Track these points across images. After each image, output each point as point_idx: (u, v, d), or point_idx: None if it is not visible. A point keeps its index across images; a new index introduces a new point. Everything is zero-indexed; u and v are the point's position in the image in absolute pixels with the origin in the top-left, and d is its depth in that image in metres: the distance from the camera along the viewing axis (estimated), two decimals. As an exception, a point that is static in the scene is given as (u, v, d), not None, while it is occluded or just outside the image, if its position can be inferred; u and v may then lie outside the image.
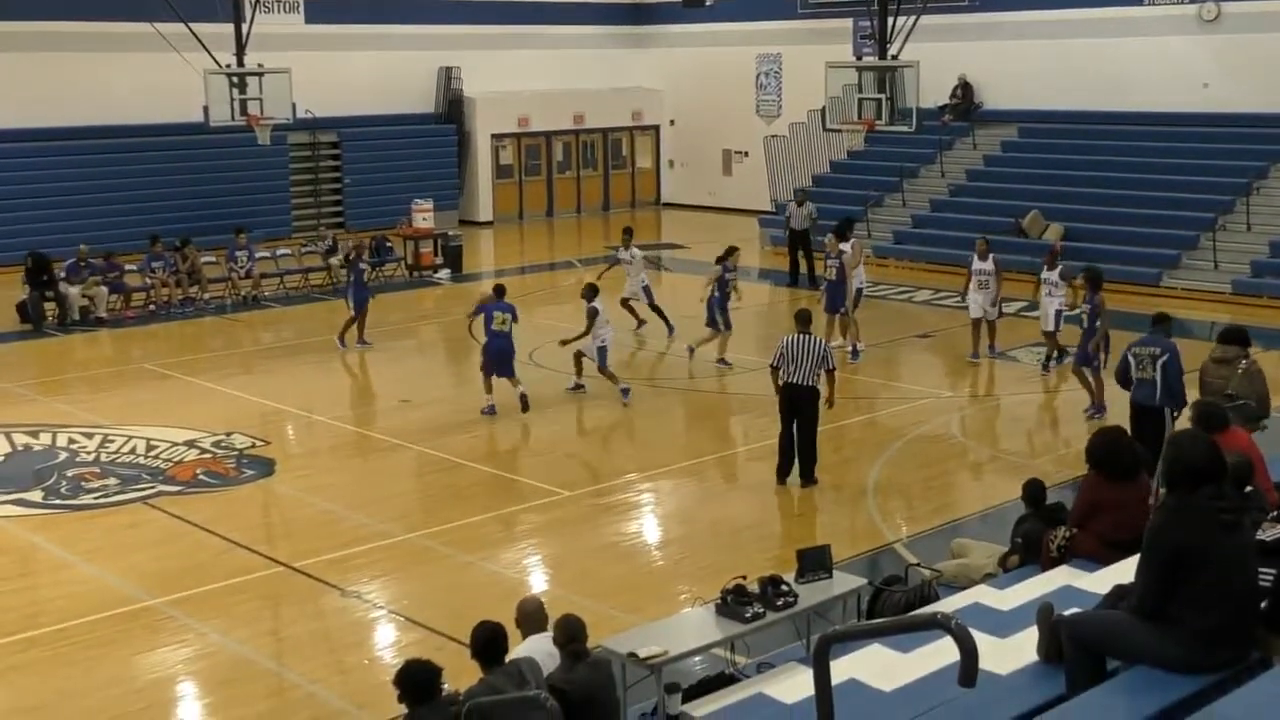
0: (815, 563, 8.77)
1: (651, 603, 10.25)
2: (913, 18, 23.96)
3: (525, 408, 15.85)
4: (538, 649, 7.30)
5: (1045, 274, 17.52)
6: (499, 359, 15.88)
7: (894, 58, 24.07)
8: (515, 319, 16.07)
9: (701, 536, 12.12)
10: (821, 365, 12.82)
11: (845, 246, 19.40)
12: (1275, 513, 6.56)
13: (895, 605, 8.58)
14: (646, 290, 19.95)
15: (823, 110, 26.49)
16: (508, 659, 6.92)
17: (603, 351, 16.34)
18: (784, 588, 8.43)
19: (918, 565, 9.74)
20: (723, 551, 11.36)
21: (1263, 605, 5.50)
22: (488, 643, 6.90)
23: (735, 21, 34.30)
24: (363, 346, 19.69)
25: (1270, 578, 5.58)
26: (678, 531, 12.51)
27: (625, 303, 19.98)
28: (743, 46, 34.32)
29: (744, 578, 8.44)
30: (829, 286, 19.05)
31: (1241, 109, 25.48)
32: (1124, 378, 12.26)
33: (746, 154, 34.76)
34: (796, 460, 13.10)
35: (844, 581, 8.83)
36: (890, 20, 24.25)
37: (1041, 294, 17.54)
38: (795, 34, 32.98)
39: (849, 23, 31.32)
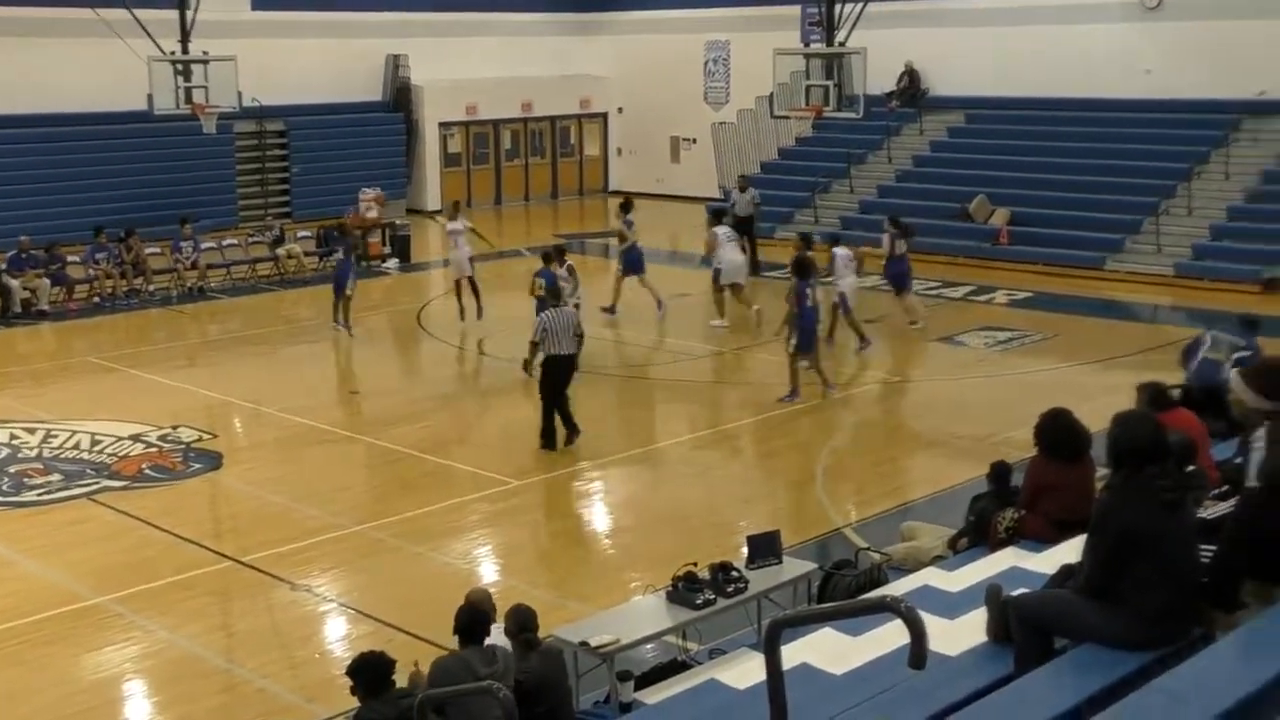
0: (765, 548, 8.80)
1: (602, 591, 10.25)
2: (860, 5, 24.05)
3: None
4: (489, 640, 7.28)
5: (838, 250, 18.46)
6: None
7: (841, 45, 24.17)
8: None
9: (652, 524, 12.12)
10: (577, 334, 13.88)
11: (719, 230, 20.20)
12: (1217, 491, 6.65)
13: (845, 589, 8.62)
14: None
15: (771, 97, 26.57)
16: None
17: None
18: (734, 574, 8.46)
19: (867, 549, 9.80)
20: (673, 539, 11.36)
21: (1204, 581, 5.57)
22: (472, 621, 6.91)
23: (683, 9, 34.30)
24: (336, 329, 19.73)
25: (1211, 554, 5.65)
26: (628, 520, 12.51)
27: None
28: (691, 34, 34.32)
29: (694, 565, 8.46)
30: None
31: (1183, 95, 25.75)
32: (1191, 354, 12.00)
33: (695, 141, 34.77)
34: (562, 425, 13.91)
35: (794, 567, 8.87)
36: (838, 7, 24.33)
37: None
38: (743, 21, 33.01)
39: (797, 10, 31.40)
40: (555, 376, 13.89)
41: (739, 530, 10.77)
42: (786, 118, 27.27)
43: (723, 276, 19.78)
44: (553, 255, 16.99)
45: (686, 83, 34.79)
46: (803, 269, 15.88)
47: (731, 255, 19.94)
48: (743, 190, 24.54)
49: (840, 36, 24.22)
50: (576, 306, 16.90)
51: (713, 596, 8.25)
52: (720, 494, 12.96)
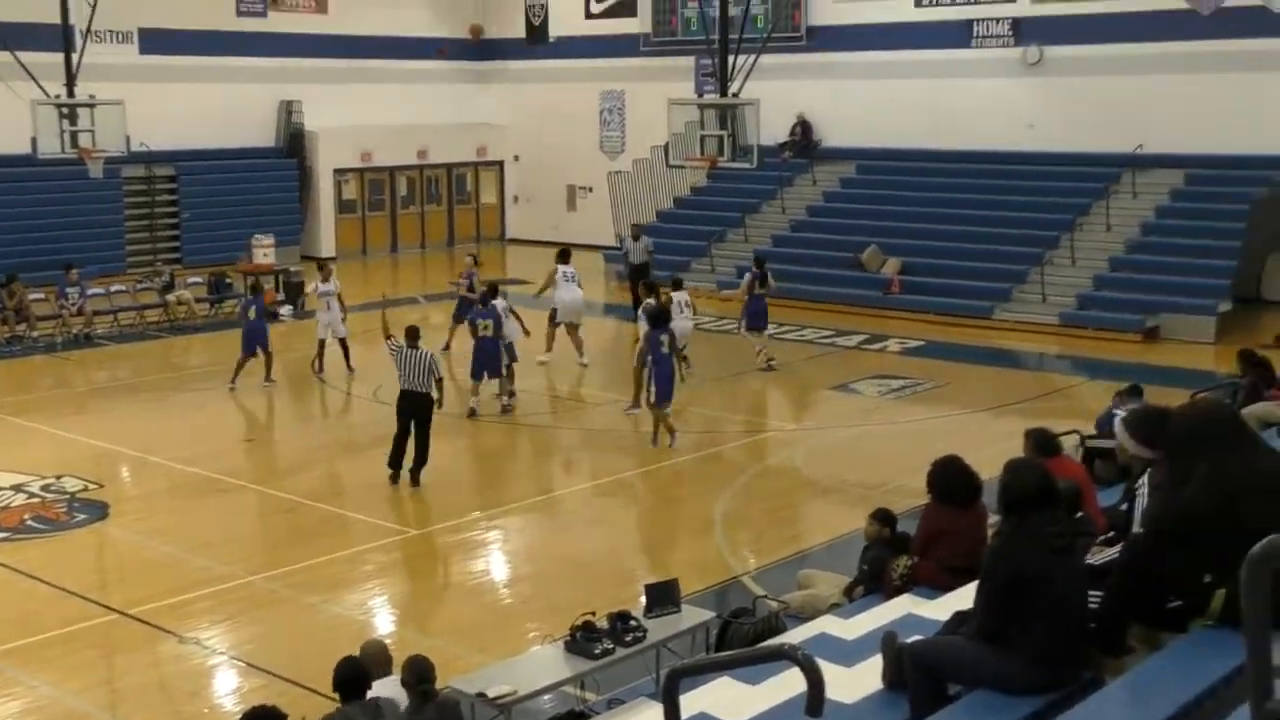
0: (663, 597, 8.81)
1: (500, 641, 10.17)
2: (752, 57, 24.40)
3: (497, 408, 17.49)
4: (385, 692, 7.20)
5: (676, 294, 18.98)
6: (485, 362, 17.32)
7: (735, 95, 24.46)
8: (499, 324, 17.39)
9: (549, 573, 12.08)
10: (430, 375, 14.15)
11: (561, 268, 20.65)
12: (1103, 537, 6.80)
13: (743, 637, 8.65)
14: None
15: (666, 147, 26.80)
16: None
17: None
18: (633, 623, 8.46)
19: (765, 597, 9.85)
20: (571, 588, 11.33)
21: (1092, 626, 5.68)
22: (350, 678, 6.84)
23: (578, 58, 34.53)
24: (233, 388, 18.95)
25: (1098, 600, 5.77)
26: (525, 569, 12.45)
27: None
28: (586, 83, 34.55)
29: (593, 614, 8.45)
30: None
31: (1065, 148, 26.53)
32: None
33: (591, 190, 34.93)
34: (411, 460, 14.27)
35: (692, 615, 8.89)
36: (731, 59, 24.66)
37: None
38: (638, 71, 33.34)
39: (690, 61, 31.79)
40: (408, 411, 14.27)
41: (637, 579, 10.77)
42: (682, 167, 27.49)
43: (559, 314, 20.27)
44: (489, 295, 17.87)
45: (582, 132, 34.99)
46: (657, 319, 16.43)
47: (568, 294, 20.32)
48: (636, 239, 24.81)
49: (734, 87, 24.52)
50: (509, 346, 17.82)
51: (611, 646, 8.23)
52: (619, 542, 12.97)
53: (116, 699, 9.73)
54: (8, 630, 10.58)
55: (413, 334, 14.50)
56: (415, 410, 14.22)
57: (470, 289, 20.46)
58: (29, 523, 13.29)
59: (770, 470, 15.17)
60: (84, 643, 10.48)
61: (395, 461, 14.34)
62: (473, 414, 17.12)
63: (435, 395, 14.31)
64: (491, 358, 17.28)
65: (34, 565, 12.02)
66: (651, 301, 17.63)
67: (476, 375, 17.33)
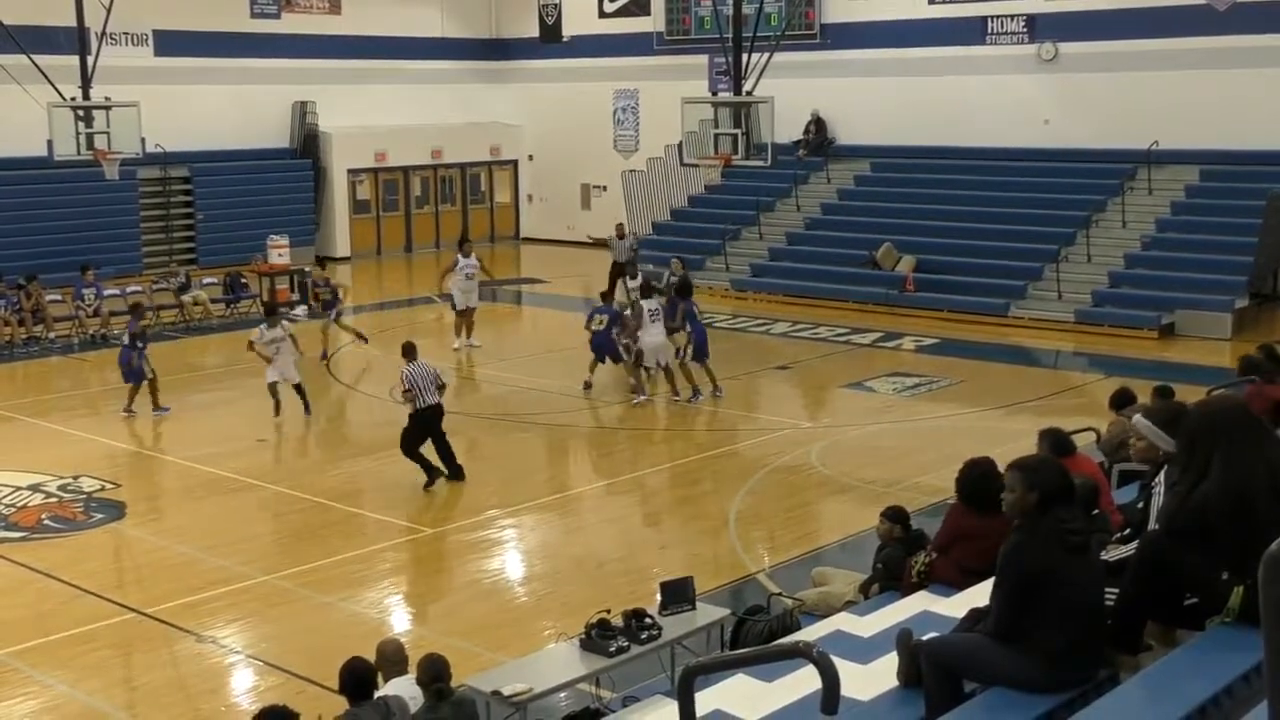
0: (678, 595, 8.81)
1: (515, 639, 10.18)
2: (766, 54, 24.40)
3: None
4: (401, 691, 7.21)
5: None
6: (598, 351, 18.61)
7: (749, 94, 24.45)
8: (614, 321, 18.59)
9: (564, 571, 12.08)
10: (435, 385, 14.33)
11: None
12: (1119, 534, 6.78)
13: (758, 635, 8.63)
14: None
15: (680, 145, 26.80)
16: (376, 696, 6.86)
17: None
18: (648, 620, 8.46)
19: (780, 594, 9.83)
20: (586, 586, 11.34)
21: (1109, 624, 5.67)
22: (357, 679, 6.85)
23: (592, 57, 34.53)
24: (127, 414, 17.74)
25: (1115, 597, 5.75)
26: (540, 567, 12.46)
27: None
28: (600, 82, 34.55)
29: (608, 612, 8.45)
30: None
31: (1080, 145, 26.44)
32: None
33: (605, 188, 34.93)
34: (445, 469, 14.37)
35: (707, 613, 8.88)
36: (745, 57, 24.66)
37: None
38: (652, 70, 33.32)
39: (704, 59, 31.76)
40: (425, 427, 14.30)
41: (652, 577, 10.77)
42: (696, 166, 27.49)
43: (456, 303, 21.59)
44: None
45: (596, 131, 34.99)
46: (684, 289, 18.46)
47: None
48: (620, 237, 25.07)
49: (747, 85, 24.52)
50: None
51: (626, 644, 8.23)
52: (634, 540, 12.96)
53: (134, 698, 9.76)
54: (25, 629, 10.63)
55: (410, 350, 14.63)
56: (434, 422, 14.32)
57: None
58: (46, 522, 13.35)
59: (785, 468, 15.16)
60: (101, 642, 10.52)
61: (433, 471, 14.33)
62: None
63: (440, 400, 14.41)
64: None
65: (51, 565, 12.08)
66: (678, 273, 20.06)
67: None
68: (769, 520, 13.44)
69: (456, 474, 14.45)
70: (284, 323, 18.42)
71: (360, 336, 21.66)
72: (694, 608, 8.80)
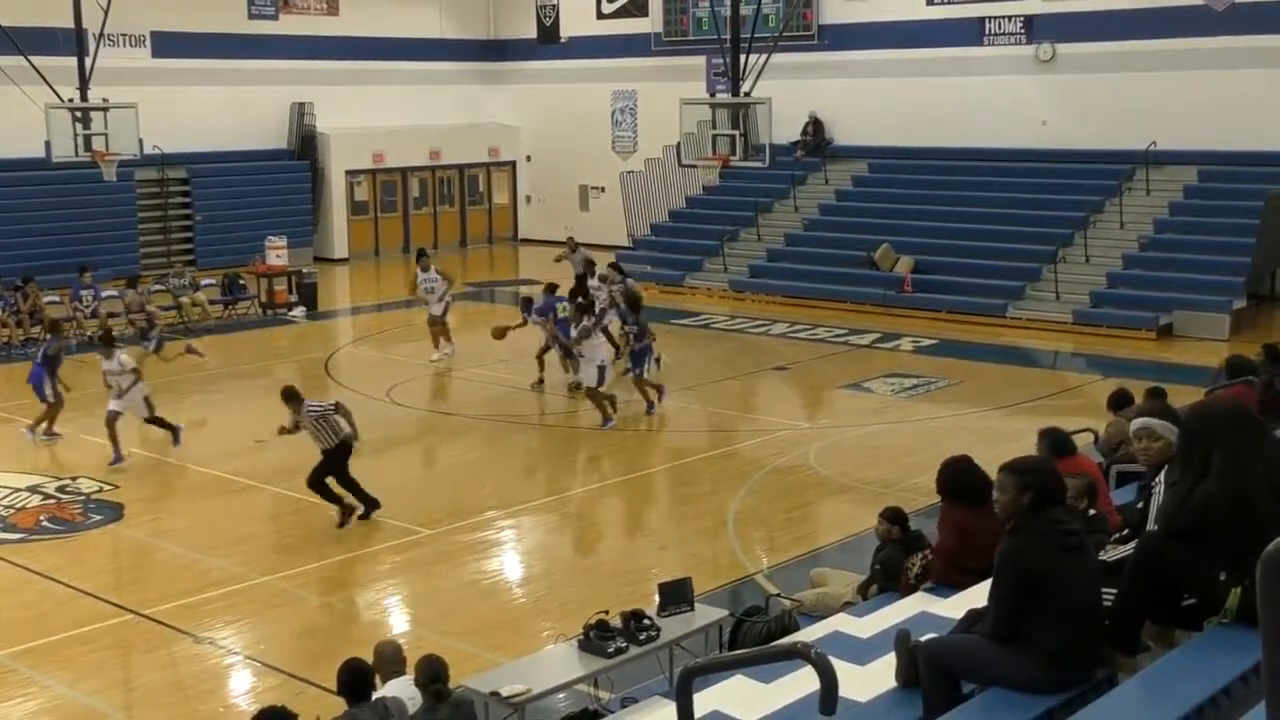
0: (676, 596, 8.81)
1: (514, 640, 10.18)
2: (764, 56, 24.41)
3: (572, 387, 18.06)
4: (399, 692, 7.22)
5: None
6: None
7: (746, 95, 24.47)
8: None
9: (563, 572, 12.09)
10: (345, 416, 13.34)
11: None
12: (1117, 535, 6.78)
13: (756, 636, 8.63)
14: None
15: (678, 146, 26.81)
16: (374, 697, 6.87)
17: (601, 370, 16.85)
18: (646, 621, 8.46)
19: (778, 595, 9.84)
20: (584, 587, 11.34)
21: (1106, 624, 5.67)
22: (355, 679, 6.85)
23: (590, 58, 34.55)
24: (48, 439, 16.71)
25: (1113, 597, 5.76)
26: (539, 568, 12.46)
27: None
28: (598, 83, 34.56)
29: (606, 613, 8.45)
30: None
31: (1078, 145, 26.46)
32: None
33: (603, 189, 34.95)
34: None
35: (705, 614, 8.89)
36: (742, 58, 24.67)
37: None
38: (650, 71, 33.33)
39: (702, 60, 31.78)
40: (340, 461, 13.19)
41: (651, 578, 10.77)
42: (694, 166, 27.52)
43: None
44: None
45: (594, 132, 35.00)
46: (635, 303, 18.00)
47: (422, 298, 21.30)
48: (574, 251, 24.70)
49: (745, 86, 24.53)
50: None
51: (625, 644, 8.24)
52: (632, 541, 12.97)
53: (132, 698, 9.76)
54: (24, 630, 10.63)
55: (293, 395, 13.35)
56: (345, 456, 13.26)
57: None
58: (45, 524, 13.35)
59: (783, 469, 15.16)
60: (100, 643, 10.52)
61: (369, 500, 13.35)
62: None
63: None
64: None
65: (50, 566, 12.08)
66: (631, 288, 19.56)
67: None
68: (767, 521, 13.44)
69: (373, 505, 13.33)
70: (120, 356, 16.10)
71: (194, 352, 20.60)
72: (692, 609, 8.81)
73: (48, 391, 16.66)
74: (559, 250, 25.58)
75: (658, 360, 18.32)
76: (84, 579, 11.75)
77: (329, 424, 13.11)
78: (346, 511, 13.09)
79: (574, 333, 17.41)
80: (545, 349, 19.17)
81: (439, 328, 21.16)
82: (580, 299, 19.08)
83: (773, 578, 11.36)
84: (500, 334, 19.82)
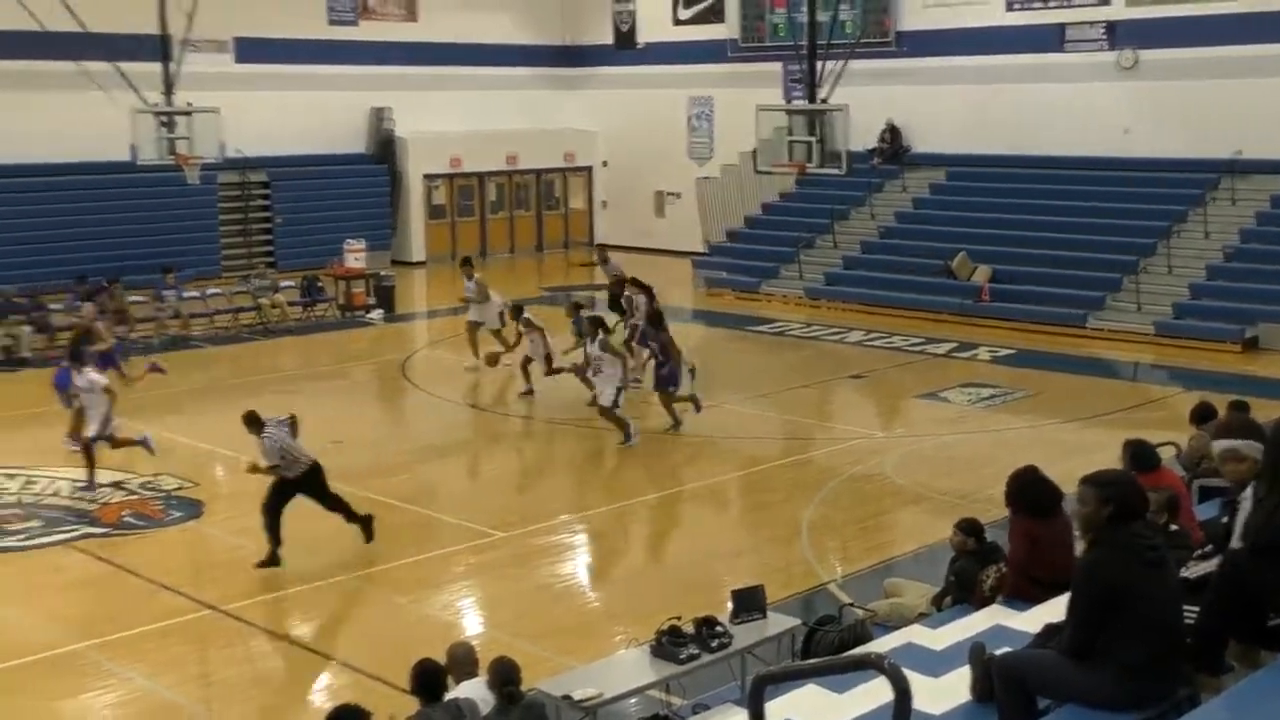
0: (749, 603, 8.78)
1: (586, 644, 10.21)
2: (841, 62, 24.29)
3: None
4: (471, 693, 7.25)
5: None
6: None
7: (823, 101, 24.37)
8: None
9: (635, 577, 12.10)
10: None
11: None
12: (1200, 551, 6.67)
13: (829, 645, 8.58)
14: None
15: (754, 153, 26.75)
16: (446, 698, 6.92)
17: (619, 390, 16.28)
18: (719, 629, 8.44)
19: (851, 605, 9.77)
20: (657, 592, 11.34)
21: (1188, 642, 5.58)
22: (427, 679, 6.90)
23: (666, 64, 34.59)
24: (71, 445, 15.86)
25: (1195, 615, 5.66)
26: (611, 572, 12.49)
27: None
28: (674, 89, 34.59)
29: (679, 619, 8.43)
30: None
31: (1161, 154, 26.04)
32: None
33: (679, 195, 34.96)
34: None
35: (778, 622, 8.84)
36: (819, 64, 24.57)
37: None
38: (726, 77, 33.30)
39: (779, 66, 31.69)
40: (301, 489, 12.25)
41: (723, 585, 10.74)
42: (770, 173, 27.45)
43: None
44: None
45: (670, 137, 35.04)
46: (656, 321, 17.21)
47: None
48: (605, 261, 24.44)
49: (822, 93, 24.43)
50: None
51: (697, 651, 8.22)
52: (705, 547, 12.94)
53: (210, 693, 9.91)
54: (105, 624, 10.82)
55: (254, 420, 12.29)
56: (315, 482, 12.37)
57: None
58: (127, 519, 13.59)
59: (858, 477, 15.07)
60: (178, 637, 10.69)
61: (364, 519, 12.62)
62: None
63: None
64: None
65: (131, 561, 12.30)
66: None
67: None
68: (841, 530, 13.37)
69: (367, 523, 12.63)
70: (91, 374, 15.16)
71: (156, 369, 18.92)
72: (765, 616, 8.77)
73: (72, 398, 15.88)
74: (591, 259, 25.42)
75: (691, 370, 18.01)
76: (164, 574, 11.95)
77: (293, 451, 12.10)
78: (273, 560, 11.94)
79: (592, 348, 16.45)
80: (528, 360, 18.75)
81: (472, 335, 20.87)
82: (610, 310, 18.93)
83: (846, 587, 11.30)
84: (493, 360, 19.53)
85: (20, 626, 10.85)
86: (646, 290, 19.51)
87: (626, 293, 20.40)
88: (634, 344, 18.25)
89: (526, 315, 18.84)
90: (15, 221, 27.04)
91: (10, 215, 27.06)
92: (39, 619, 11.00)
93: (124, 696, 9.69)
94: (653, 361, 17.33)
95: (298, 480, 12.11)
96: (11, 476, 15.00)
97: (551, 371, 18.34)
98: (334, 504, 12.48)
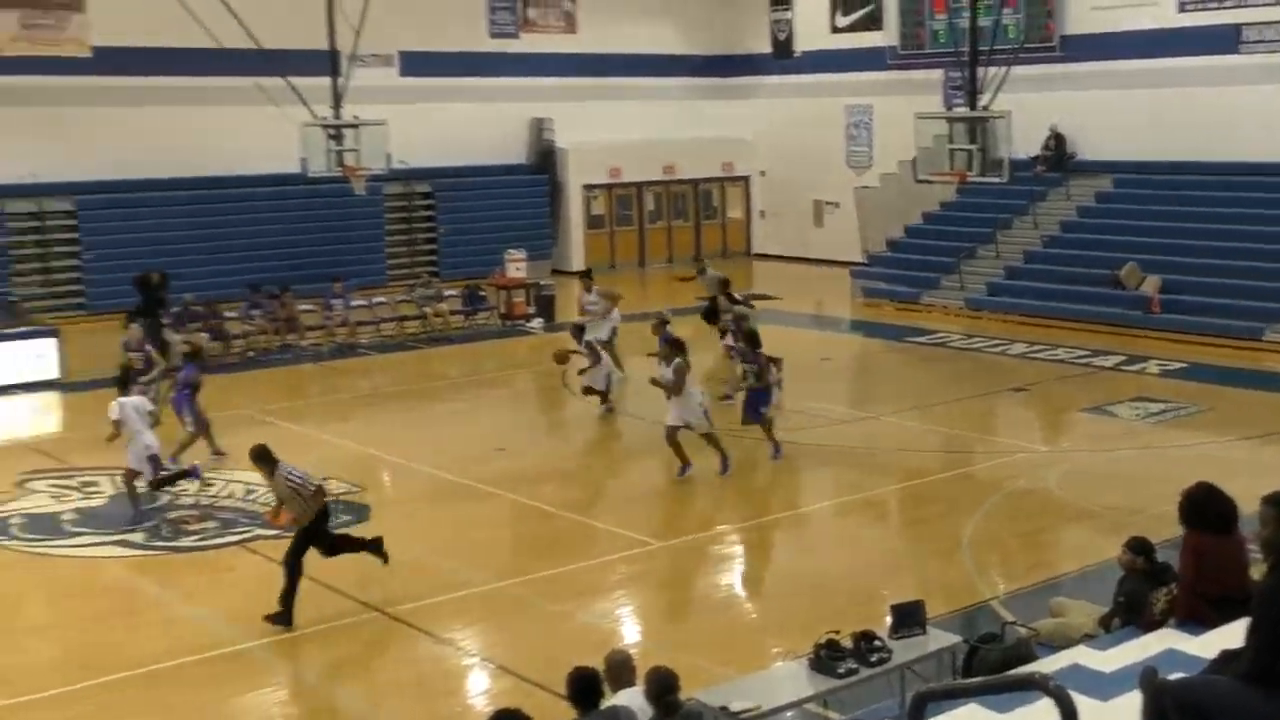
0: (909, 618, 8.69)
1: (743, 656, 10.19)
2: (1004, 68, 23.87)
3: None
4: (629, 702, 7.28)
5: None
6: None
7: (985, 108, 23.98)
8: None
9: (793, 589, 12.04)
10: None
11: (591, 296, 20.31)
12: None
13: (991, 663, 8.43)
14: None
15: (913, 161, 26.45)
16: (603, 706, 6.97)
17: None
18: (877, 643, 8.36)
19: (1014, 623, 9.58)
20: (815, 605, 11.27)
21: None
22: (584, 687, 6.96)
23: (825, 73, 34.41)
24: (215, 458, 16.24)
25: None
26: (769, 584, 12.46)
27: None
28: (832, 97, 34.38)
29: (837, 632, 8.38)
30: None
31: (1344, 159, 24.99)
32: None
33: (838, 204, 34.72)
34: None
35: (939, 638, 8.73)
36: (981, 70, 24.19)
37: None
38: (885, 85, 32.98)
39: (939, 74, 31.27)
40: (315, 536, 11.54)
41: (881, 598, 10.63)
42: (930, 182, 27.10)
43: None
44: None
45: (829, 146, 34.82)
46: (752, 340, 16.44)
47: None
48: (703, 272, 23.99)
49: (984, 100, 24.04)
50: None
51: (855, 666, 8.16)
52: (863, 560, 12.82)
53: (375, 693, 10.16)
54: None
55: (264, 455, 11.52)
56: (325, 523, 11.73)
57: None
58: (297, 523, 13.97)
59: (1021, 492, 14.77)
60: (345, 638, 10.98)
61: (371, 544, 12.00)
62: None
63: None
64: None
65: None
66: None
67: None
68: (1004, 545, 13.12)
69: (378, 546, 12.03)
70: (134, 403, 14.48)
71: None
72: (925, 632, 8.67)
73: (188, 418, 16.14)
74: (690, 271, 25.28)
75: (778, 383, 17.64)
76: (331, 576, 12.23)
77: (303, 490, 11.40)
78: (285, 616, 11.04)
79: (667, 372, 15.34)
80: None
81: (613, 347, 20.48)
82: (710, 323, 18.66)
83: (1008, 604, 11.08)
84: (562, 358, 19.26)
85: (198, 623, 11.25)
86: (734, 299, 19.60)
87: (722, 306, 20.43)
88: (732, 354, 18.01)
89: (588, 339, 18.76)
90: (193, 233, 28.19)
91: (188, 226, 28.22)
92: (215, 617, 11.41)
93: (292, 693, 10.01)
94: (749, 382, 16.31)
95: (312, 526, 11.37)
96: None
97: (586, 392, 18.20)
98: (344, 544, 11.77)
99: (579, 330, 19.54)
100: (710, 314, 21.86)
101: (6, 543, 13.34)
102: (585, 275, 22.58)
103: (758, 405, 16.08)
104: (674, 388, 15.18)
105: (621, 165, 34.68)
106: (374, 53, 28.56)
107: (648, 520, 13.94)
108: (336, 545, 11.75)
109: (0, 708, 9.68)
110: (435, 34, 31.52)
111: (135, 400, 14.57)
